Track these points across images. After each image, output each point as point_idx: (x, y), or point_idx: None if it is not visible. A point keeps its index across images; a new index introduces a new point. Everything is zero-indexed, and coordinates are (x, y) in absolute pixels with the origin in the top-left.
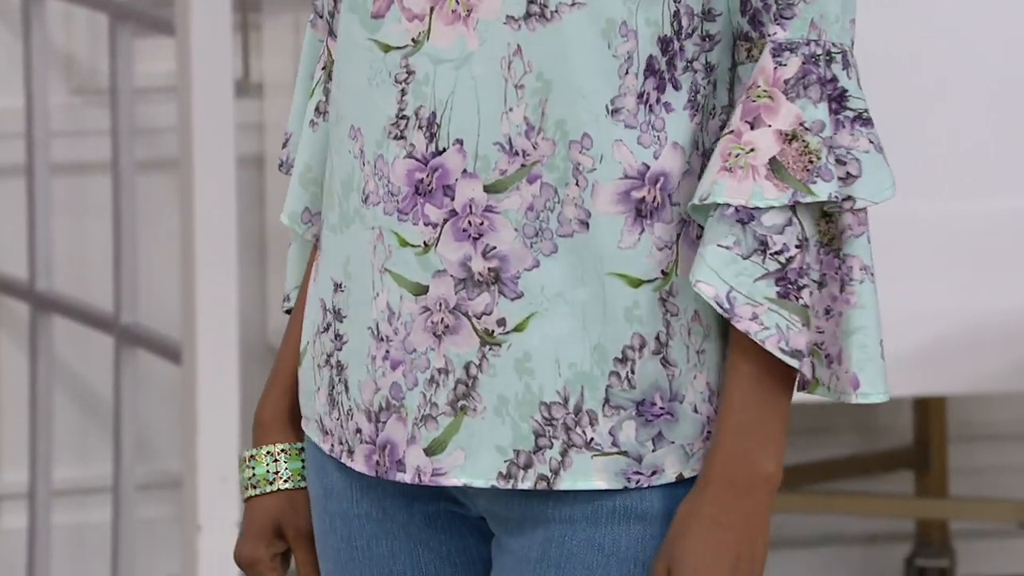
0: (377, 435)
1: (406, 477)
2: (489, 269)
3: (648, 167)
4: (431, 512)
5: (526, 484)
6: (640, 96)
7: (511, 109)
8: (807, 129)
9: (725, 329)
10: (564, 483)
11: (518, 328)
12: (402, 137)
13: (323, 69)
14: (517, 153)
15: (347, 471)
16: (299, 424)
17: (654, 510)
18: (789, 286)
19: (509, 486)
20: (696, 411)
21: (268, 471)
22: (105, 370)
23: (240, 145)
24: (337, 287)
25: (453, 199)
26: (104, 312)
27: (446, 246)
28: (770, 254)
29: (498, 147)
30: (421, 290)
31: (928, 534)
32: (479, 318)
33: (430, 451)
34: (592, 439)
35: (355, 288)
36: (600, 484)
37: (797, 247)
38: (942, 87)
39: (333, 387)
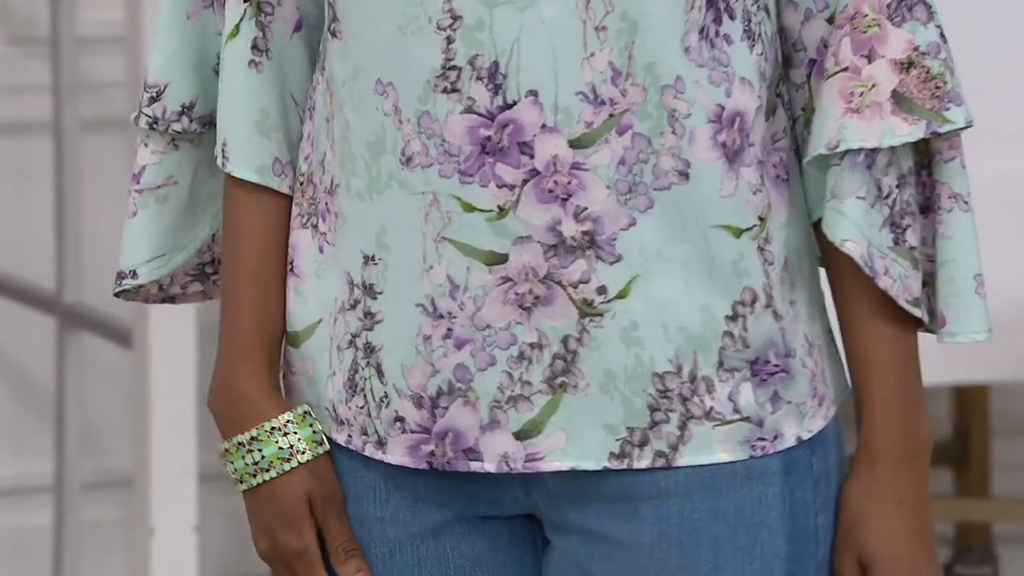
0: (434, 422)
1: (487, 466)
2: (583, 232)
3: (723, 107)
4: (466, 514)
5: (643, 462)
6: (702, 31)
7: (592, 54)
8: (923, 54)
9: (808, 277)
10: (685, 458)
11: (620, 295)
12: (455, 90)
13: (245, 2)
14: (604, 102)
15: (370, 466)
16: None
17: (772, 467)
18: (897, 230)
19: (624, 466)
20: (804, 366)
21: (281, 448)
22: (46, 355)
23: None
24: (368, 260)
25: (533, 157)
26: (45, 290)
27: (529, 209)
28: (882, 198)
29: (581, 97)
30: (497, 259)
31: (968, 538)
32: (575, 287)
33: (523, 434)
34: (712, 408)
35: (395, 261)
36: (724, 456)
37: (898, 185)
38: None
39: (356, 371)
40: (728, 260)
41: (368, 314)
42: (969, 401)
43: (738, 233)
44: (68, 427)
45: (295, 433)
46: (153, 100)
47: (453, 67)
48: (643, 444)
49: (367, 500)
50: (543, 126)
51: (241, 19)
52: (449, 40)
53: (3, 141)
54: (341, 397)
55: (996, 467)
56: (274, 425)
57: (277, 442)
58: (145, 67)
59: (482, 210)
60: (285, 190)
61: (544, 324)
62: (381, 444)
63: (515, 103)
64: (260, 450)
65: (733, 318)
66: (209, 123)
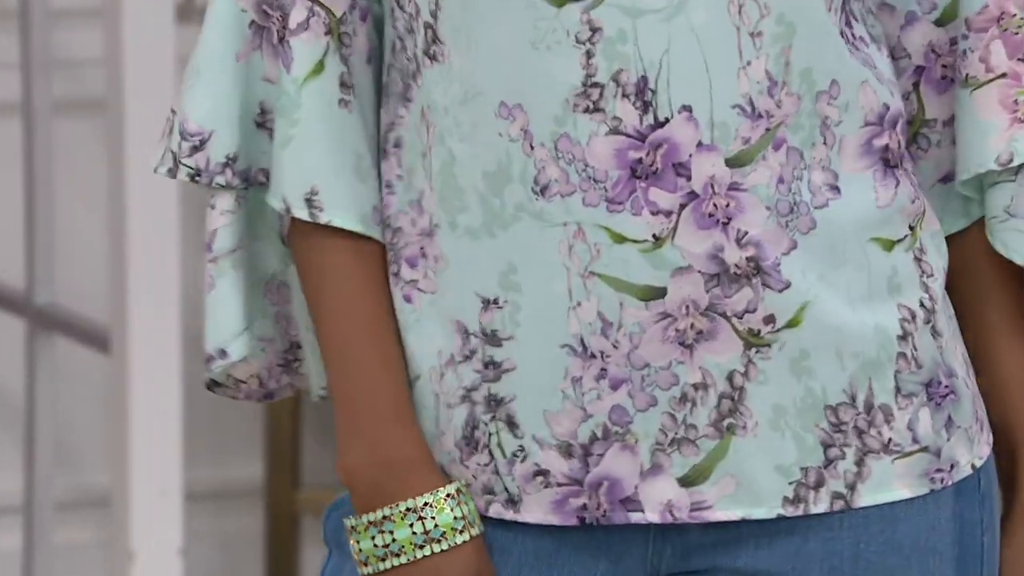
0: (586, 472)
1: (650, 516)
2: (747, 259)
3: (888, 107)
4: (618, 570)
5: (820, 507)
6: (841, 34)
7: (749, 63)
8: None
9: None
10: (864, 498)
11: (791, 323)
12: (598, 110)
13: (327, 35)
14: (761, 115)
15: (494, 528)
16: None
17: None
18: None
19: (800, 512)
20: (967, 387)
21: (455, 517)
22: (15, 361)
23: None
24: (488, 303)
25: (690, 179)
26: (13, 289)
27: (688, 236)
28: None
29: (738, 111)
30: (654, 293)
31: None
32: (740, 318)
33: (688, 481)
34: (890, 439)
35: (530, 302)
36: (904, 492)
37: None
38: None
39: (475, 427)
40: (884, 275)
41: (492, 363)
42: None
43: (890, 246)
44: (39, 441)
45: (465, 504)
46: (195, 149)
47: (595, 84)
48: (818, 485)
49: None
50: (699, 144)
51: (324, 54)
52: (589, 55)
53: None
54: (452, 457)
55: None
56: (449, 492)
57: (452, 511)
58: (121, 43)
59: (635, 240)
60: (381, 240)
61: (708, 361)
62: (513, 503)
63: (667, 120)
64: (435, 518)
65: (903, 337)
66: (247, 180)
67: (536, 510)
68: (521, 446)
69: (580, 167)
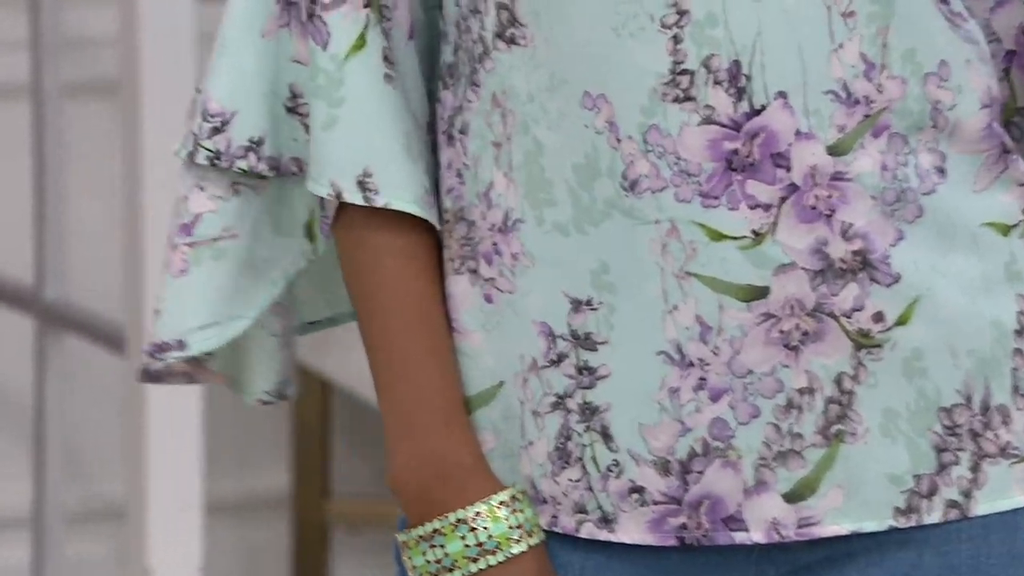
0: (685, 490)
1: (755, 536)
2: (853, 252)
3: (990, 88)
4: None
5: (933, 516)
6: (939, 10)
7: (841, 45)
8: None
9: None
10: (980, 506)
11: (901, 321)
12: (689, 98)
13: (365, 7)
14: (858, 101)
15: (579, 549)
16: None
17: None
18: None
19: (912, 523)
20: None
21: (510, 526)
22: (23, 362)
23: (204, 63)
24: (580, 305)
25: (789, 169)
26: (21, 284)
27: (789, 231)
28: None
29: (831, 96)
30: (755, 294)
31: None
32: (848, 316)
33: (794, 496)
34: (1008, 443)
35: (624, 303)
36: (1023, 499)
37: None
38: None
39: (569, 438)
40: (1001, 263)
41: (585, 369)
42: None
43: (1005, 230)
44: (49, 448)
45: (521, 512)
46: (216, 131)
47: (684, 71)
48: (931, 494)
49: None
50: (798, 132)
51: (365, 28)
52: (676, 40)
53: None
54: (544, 471)
55: None
56: (502, 500)
57: (507, 521)
58: (137, 21)
59: (733, 237)
60: (439, 226)
61: (815, 364)
62: (607, 521)
63: (763, 108)
64: (487, 528)
65: (1020, 332)
66: (276, 168)
67: (632, 529)
68: (616, 460)
69: (671, 160)
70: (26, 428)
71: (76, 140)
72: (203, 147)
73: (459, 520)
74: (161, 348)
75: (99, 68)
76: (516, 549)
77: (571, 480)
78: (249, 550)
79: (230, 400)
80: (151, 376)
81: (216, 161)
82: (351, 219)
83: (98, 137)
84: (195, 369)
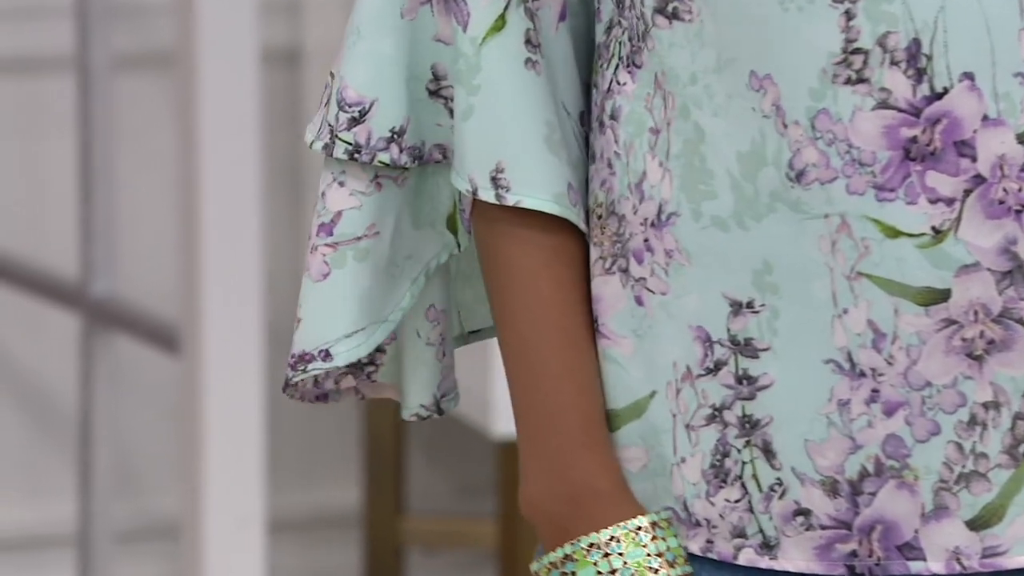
0: (856, 513)
1: (934, 566)
2: None
3: None
4: None
5: None
6: None
7: None
8: None
9: None
10: None
11: None
12: (862, 80)
13: None
14: None
15: None
16: None
17: None
18: None
19: None
20: None
21: (649, 554)
22: (67, 364)
23: (266, 32)
24: (740, 307)
25: (975, 160)
26: (66, 279)
27: (974, 228)
28: None
29: (1021, 79)
30: (935, 297)
31: None
32: None
33: (978, 523)
34: None
35: (789, 306)
36: None
37: None
38: None
39: (727, 454)
40: None
41: (744, 378)
42: None
43: None
44: (96, 459)
45: (663, 539)
46: (355, 121)
47: (857, 50)
48: None
49: None
50: (984, 118)
51: (506, 7)
52: (849, 16)
53: (13, 82)
54: (699, 490)
55: None
56: (640, 524)
57: (645, 546)
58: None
59: (911, 234)
60: (582, 226)
61: (1001, 376)
62: (768, 547)
63: (946, 91)
64: (621, 554)
65: None
66: (418, 158)
67: (796, 556)
68: (779, 479)
69: (843, 148)
70: (71, 437)
71: (126, 117)
72: (341, 139)
73: (592, 545)
74: (303, 359)
75: (152, 38)
76: None
77: (728, 501)
78: (315, 571)
79: (294, 406)
80: (309, 394)
81: (356, 155)
82: (488, 215)
83: (151, 114)
84: (362, 383)
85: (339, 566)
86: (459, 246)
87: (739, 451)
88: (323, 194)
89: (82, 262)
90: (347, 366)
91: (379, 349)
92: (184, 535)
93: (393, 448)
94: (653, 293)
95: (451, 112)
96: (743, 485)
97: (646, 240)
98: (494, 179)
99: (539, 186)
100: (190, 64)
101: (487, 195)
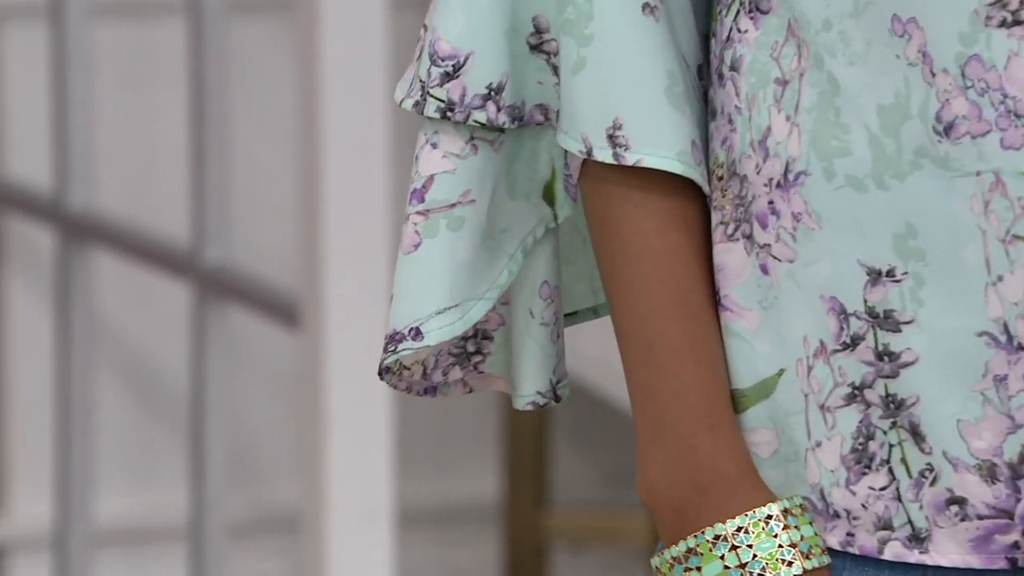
0: (1019, 499)
1: None
2: None
3: None
4: None
5: None
6: None
7: None
8: None
9: None
10: None
11: None
12: (1019, 22)
13: None
14: None
15: (890, 574)
16: None
17: None
18: None
19: None
20: None
21: (781, 546)
22: (177, 339)
23: None
24: (879, 276)
25: None
26: (176, 247)
27: None
28: None
29: None
30: None
31: None
32: None
33: None
34: None
35: (935, 274)
36: None
37: None
38: None
39: (871, 437)
40: None
41: (885, 354)
42: None
43: None
44: (209, 443)
45: (796, 528)
46: (448, 77)
47: None
48: None
49: None
50: None
51: None
52: None
53: (117, 28)
54: (838, 477)
55: None
56: (771, 513)
57: (776, 536)
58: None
59: None
60: (706, 187)
61: None
62: (918, 539)
63: None
64: (749, 546)
65: None
66: (518, 118)
67: (951, 549)
68: (929, 464)
69: (996, 98)
70: (182, 420)
71: (242, 65)
72: (433, 96)
73: (717, 537)
74: (393, 339)
75: None
76: (788, 573)
77: (873, 489)
78: (450, 569)
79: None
80: (416, 386)
81: (449, 113)
82: (599, 177)
83: (269, 62)
84: (469, 375)
85: (476, 564)
86: (556, 218)
87: (885, 433)
88: (416, 157)
89: (194, 227)
90: (452, 355)
91: (486, 336)
92: (305, 529)
93: (536, 434)
94: (779, 261)
95: (554, 69)
96: (891, 471)
97: (771, 202)
98: (611, 137)
99: (661, 143)
100: (312, 8)
101: (603, 155)
